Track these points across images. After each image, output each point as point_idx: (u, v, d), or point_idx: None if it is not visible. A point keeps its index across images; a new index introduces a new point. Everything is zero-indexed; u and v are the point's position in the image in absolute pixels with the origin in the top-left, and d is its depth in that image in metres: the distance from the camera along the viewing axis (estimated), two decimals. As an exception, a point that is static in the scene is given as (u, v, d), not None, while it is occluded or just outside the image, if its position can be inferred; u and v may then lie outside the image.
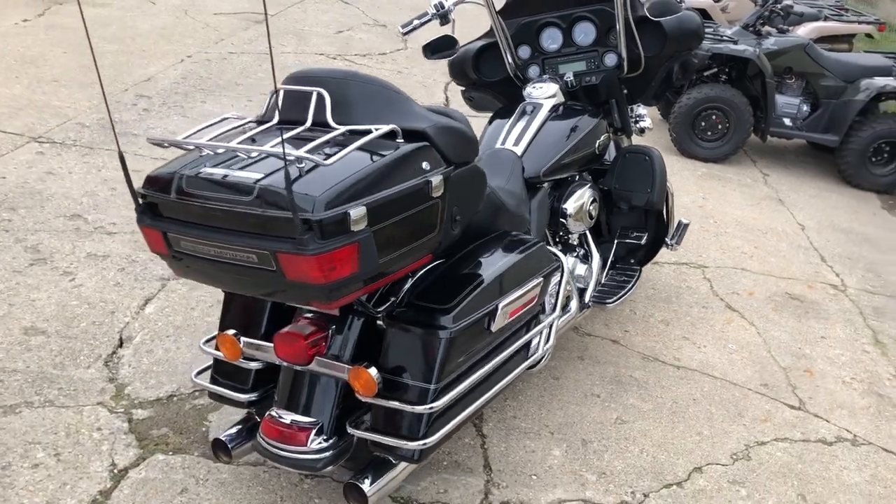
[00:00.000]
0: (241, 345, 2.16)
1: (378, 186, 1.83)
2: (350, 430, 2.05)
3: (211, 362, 2.34)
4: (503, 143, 2.90)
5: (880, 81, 5.43)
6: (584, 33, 3.14)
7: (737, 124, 5.65)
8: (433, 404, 1.95)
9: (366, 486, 1.99)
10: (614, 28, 3.04)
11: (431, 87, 6.51)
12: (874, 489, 2.73)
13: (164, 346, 2.95)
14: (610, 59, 3.12)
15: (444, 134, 2.04)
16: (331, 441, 2.06)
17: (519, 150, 2.86)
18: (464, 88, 3.44)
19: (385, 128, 1.92)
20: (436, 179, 1.95)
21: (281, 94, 2.02)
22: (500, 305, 2.15)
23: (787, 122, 5.77)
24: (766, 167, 5.91)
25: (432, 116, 2.05)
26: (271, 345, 2.08)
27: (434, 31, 3.05)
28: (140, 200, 1.95)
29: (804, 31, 6.76)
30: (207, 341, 2.33)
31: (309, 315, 2.14)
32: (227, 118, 2.08)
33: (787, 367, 3.38)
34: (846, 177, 5.72)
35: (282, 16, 7.97)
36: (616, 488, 2.56)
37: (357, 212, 1.74)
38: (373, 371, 1.96)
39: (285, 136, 1.80)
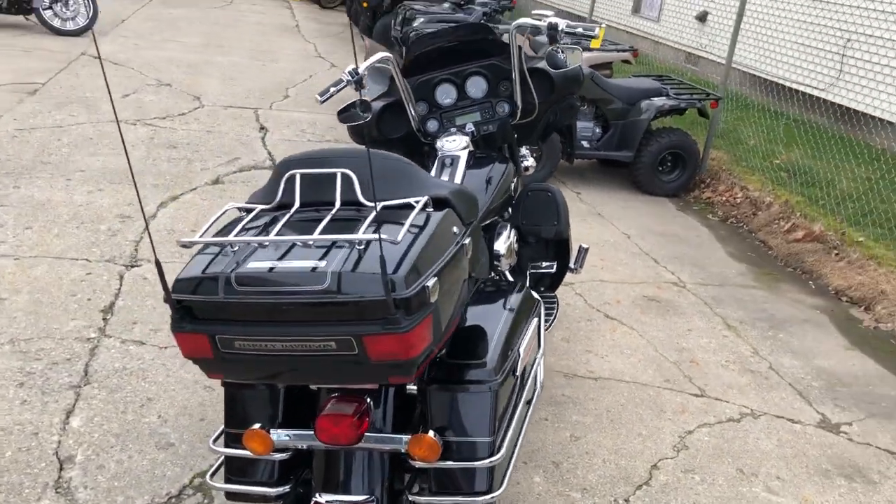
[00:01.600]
0: (273, 437, 2.09)
1: (434, 256, 1.90)
2: (413, 499, 2.07)
3: (220, 461, 2.23)
4: None
5: (658, 102, 6.25)
6: (476, 87, 3.36)
7: (549, 152, 6.19)
8: (497, 455, 2.04)
9: None
10: (504, 80, 3.29)
11: (249, 143, 6.40)
12: (785, 451, 3.21)
13: (114, 458, 2.72)
14: (502, 108, 3.36)
15: (459, 198, 2.15)
16: None
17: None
18: (362, 147, 3.51)
19: (423, 199, 2.00)
20: (467, 241, 2.07)
21: (298, 178, 2.02)
22: (521, 349, 2.29)
23: (585, 144, 6.41)
24: (575, 187, 6.52)
25: (445, 183, 2.15)
26: (308, 431, 2.05)
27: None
28: (176, 306, 1.85)
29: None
30: (216, 440, 2.22)
31: (336, 394, 2.13)
32: (228, 209, 2.04)
33: (676, 361, 3.83)
34: (641, 186, 6.47)
35: (53, 83, 7.39)
36: (601, 499, 2.79)
37: (433, 283, 1.81)
38: (432, 435, 2.01)
39: (326, 218, 1.83)
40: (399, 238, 1.83)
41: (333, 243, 1.83)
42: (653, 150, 6.28)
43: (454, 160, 3.16)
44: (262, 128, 6.89)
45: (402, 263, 1.81)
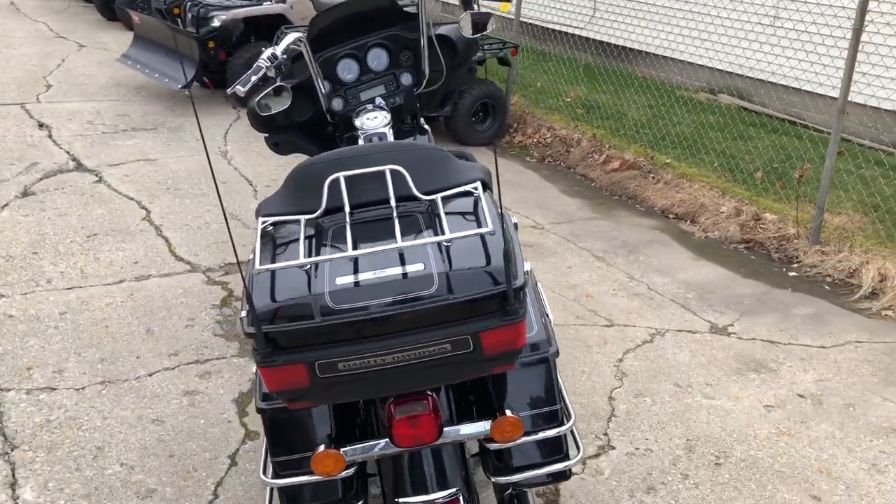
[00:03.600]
0: (345, 454, 2.00)
1: (509, 241, 1.91)
2: (497, 480, 2.10)
3: (269, 496, 2.09)
4: None
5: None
6: (378, 59, 3.29)
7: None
8: (571, 420, 2.13)
9: None
10: (405, 50, 3.26)
11: (39, 144, 5.70)
12: (700, 359, 3.61)
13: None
14: (405, 79, 3.33)
15: (488, 177, 2.16)
16: (475, 501, 2.08)
17: None
18: (267, 135, 3.32)
19: (478, 185, 1.99)
20: (516, 219, 2.10)
21: (343, 181, 1.91)
22: (549, 314, 2.37)
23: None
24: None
25: (471, 164, 2.14)
26: (379, 441, 1.99)
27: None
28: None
29: None
30: (267, 472, 2.07)
31: (392, 398, 2.08)
32: (265, 225, 1.90)
33: (575, 297, 4.11)
34: (460, 139, 6.68)
35: None
36: (587, 440, 2.98)
37: (529, 267, 1.83)
38: (511, 413, 2.04)
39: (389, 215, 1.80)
40: (492, 227, 1.82)
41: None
42: (467, 102, 6.48)
43: (382, 138, 3.10)
44: (41, 125, 6.13)
45: (506, 252, 1.80)
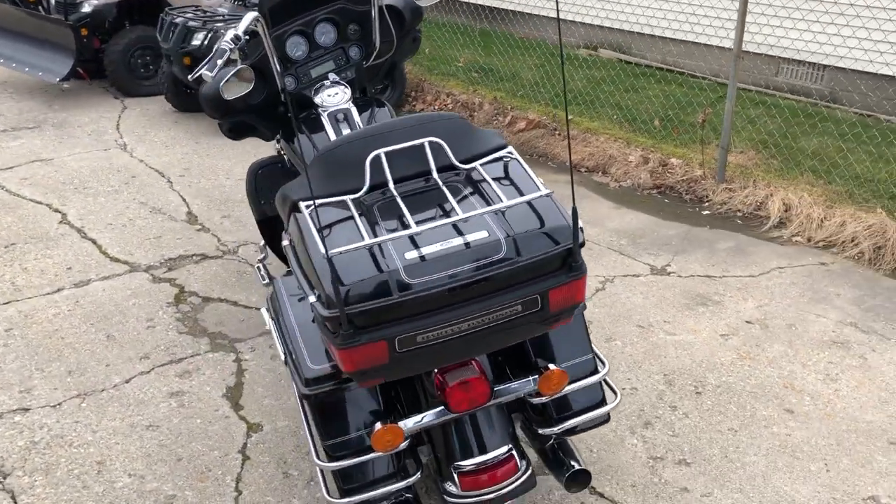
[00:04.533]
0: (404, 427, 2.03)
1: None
2: (544, 432, 2.19)
3: (324, 479, 2.09)
4: None
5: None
6: (326, 34, 3.24)
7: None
8: (606, 365, 2.24)
9: (582, 465, 2.19)
10: (352, 23, 3.23)
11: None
12: (652, 300, 3.83)
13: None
14: (354, 53, 3.31)
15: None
16: (525, 455, 2.17)
17: None
18: (220, 121, 3.22)
19: (511, 149, 2.04)
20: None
21: (384, 157, 1.92)
22: None
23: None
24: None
25: (491, 130, 2.19)
26: (434, 410, 2.04)
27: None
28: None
29: None
30: (320, 456, 2.06)
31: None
32: (314, 207, 1.89)
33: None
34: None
35: None
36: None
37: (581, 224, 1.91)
38: (553, 366, 2.13)
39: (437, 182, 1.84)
40: (549, 189, 1.88)
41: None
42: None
43: (346, 114, 3.08)
44: None
45: (562, 211, 1.87)
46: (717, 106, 6.40)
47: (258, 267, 3.55)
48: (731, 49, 4.93)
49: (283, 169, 3.36)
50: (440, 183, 1.93)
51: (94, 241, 4.18)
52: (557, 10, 1.80)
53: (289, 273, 3.40)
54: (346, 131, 3.02)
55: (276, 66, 3.07)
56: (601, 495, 2.55)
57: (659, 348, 3.41)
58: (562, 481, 2.19)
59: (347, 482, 2.08)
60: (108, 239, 4.21)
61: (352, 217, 1.87)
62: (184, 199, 4.75)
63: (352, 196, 1.91)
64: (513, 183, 1.94)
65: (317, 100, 3.13)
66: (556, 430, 2.20)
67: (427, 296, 1.73)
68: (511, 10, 8.48)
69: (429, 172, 2.00)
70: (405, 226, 1.82)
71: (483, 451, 2.09)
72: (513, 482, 2.08)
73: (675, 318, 3.65)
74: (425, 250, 1.76)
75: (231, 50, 2.80)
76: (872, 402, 3.06)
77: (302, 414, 2.23)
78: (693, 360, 3.32)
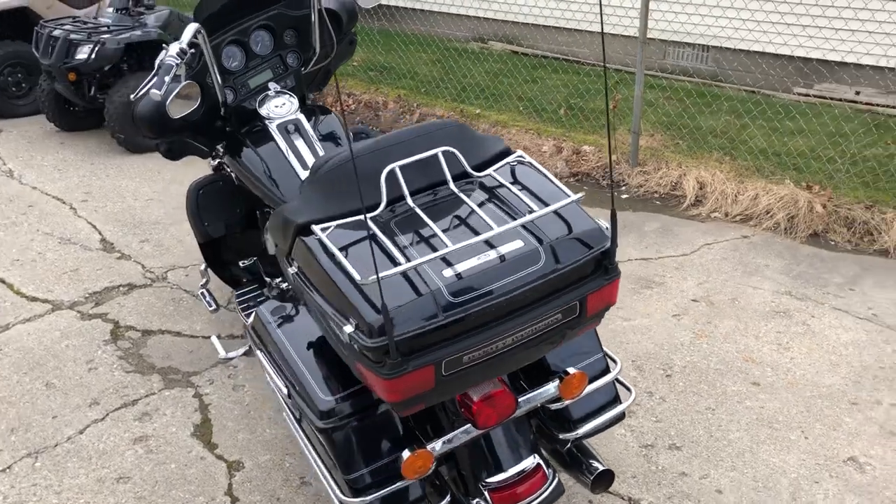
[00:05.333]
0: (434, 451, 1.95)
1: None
2: (566, 437, 2.16)
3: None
4: (306, 169, 2.82)
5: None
6: (261, 42, 3.08)
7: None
8: (618, 365, 2.23)
9: (605, 465, 2.17)
10: (289, 29, 3.09)
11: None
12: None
13: None
14: (292, 60, 3.16)
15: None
16: (550, 463, 2.13)
17: None
18: (158, 142, 3.00)
19: (522, 153, 1.99)
20: None
21: (398, 172, 1.83)
22: None
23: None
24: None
25: (488, 136, 2.13)
26: (461, 428, 1.97)
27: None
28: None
29: None
30: (345, 491, 1.95)
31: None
32: (330, 231, 1.78)
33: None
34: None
35: None
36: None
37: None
38: (573, 370, 2.10)
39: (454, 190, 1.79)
40: (580, 194, 1.85)
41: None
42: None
43: (297, 125, 2.95)
44: None
45: (587, 213, 1.84)
46: (614, 91, 6.57)
47: (202, 293, 3.35)
48: (622, 35, 5.09)
49: (225, 187, 3.17)
50: (459, 193, 1.85)
51: (2, 281, 3.81)
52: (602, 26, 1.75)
53: (265, 299, 3.21)
54: (298, 143, 2.88)
55: (217, 79, 2.89)
56: (608, 491, 2.55)
57: (620, 335, 3.45)
58: (587, 483, 2.17)
59: (390, 511, 1.97)
60: (18, 277, 3.85)
61: (372, 236, 1.76)
62: (93, 226, 4.41)
63: (370, 214, 1.80)
64: (533, 188, 1.89)
65: (262, 111, 2.97)
66: (579, 433, 2.17)
67: (473, 314, 1.66)
68: (403, 7, 8.39)
69: (442, 183, 1.92)
70: (429, 241, 1.73)
71: (511, 464, 2.04)
72: (544, 492, 2.04)
73: (627, 304, 3.71)
74: (463, 266, 1.69)
75: (177, 65, 2.62)
76: (826, 367, 3.22)
77: (310, 450, 2.10)
78: (655, 344, 3.39)
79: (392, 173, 1.83)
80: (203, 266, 3.42)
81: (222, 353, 3.14)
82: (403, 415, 1.93)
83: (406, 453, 1.91)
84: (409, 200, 1.84)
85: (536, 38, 7.82)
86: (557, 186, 1.90)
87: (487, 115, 6.13)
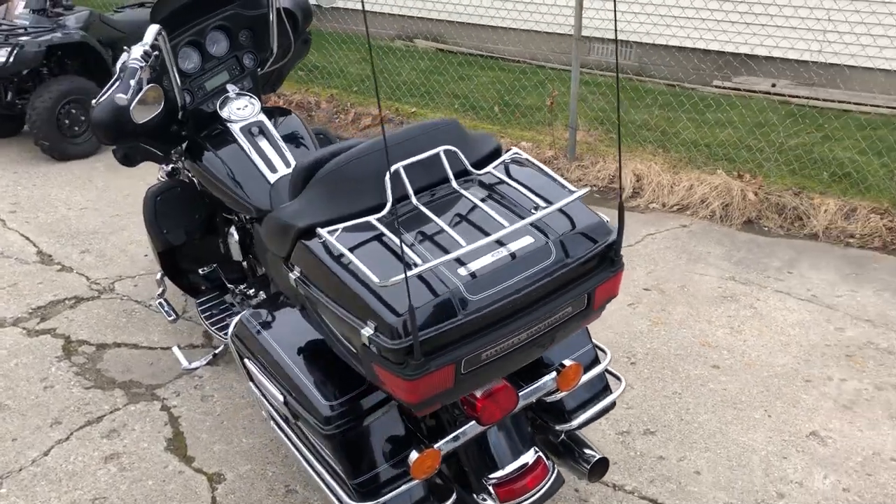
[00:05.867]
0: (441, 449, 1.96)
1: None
2: (562, 428, 2.20)
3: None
4: (272, 171, 2.77)
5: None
6: (217, 43, 3.02)
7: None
8: (608, 355, 2.29)
9: (600, 454, 2.22)
10: (245, 29, 3.04)
11: None
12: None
13: None
14: (248, 61, 3.10)
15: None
16: (548, 455, 2.17)
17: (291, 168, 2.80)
18: (114, 147, 2.91)
19: (518, 150, 2.02)
20: None
21: (402, 172, 1.82)
22: None
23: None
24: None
25: (480, 133, 2.15)
26: (464, 426, 1.99)
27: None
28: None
29: None
30: (353, 496, 1.93)
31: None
32: (335, 234, 1.76)
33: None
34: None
35: None
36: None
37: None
38: (569, 361, 2.14)
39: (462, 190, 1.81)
40: (586, 189, 1.88)
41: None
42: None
43: (261, 127, 2.90)
44: None
45: (588, 208, 1.88)
46: (540, 88, 6.70)
47: (160, 303, 3.25)
48: (546, 33, 5.18)
49: (183, 193, 3.08)
50: (462, 191, 1.86)
51: (-66, 300, 3.60)
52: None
53: (227, 307, 3.13)
54: (262, 144, 2.84)
55: (177, 82, 2.81)
56: (593, 478, 2.60)
57: (581, 326, 3.52)
58: (583, 471, 2.21)
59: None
60: (-51, 295, 3.64)
61: (381, 236, 1.75)
62: (27, 238, 4.21)
63: (376, 216, 1.78)
64: (534, 184, 1.91)
65: (223, 113, 2.91)
66: (574, 423, 2.21)
67: (492, 311, 1.67)
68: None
69: (442, 181, 1.92)
70: (440, 240, 1.73)
71: (513, 458, 2.07)
72: (546, 482, 2.07)
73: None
74: (477, 265, 1.70)
75: (142, 69, 2.53)
76: (777, 347, 3.37)
77: (307, 457, 2.07)
78: (615, 333, 3.47)
79: (396, 173, 1.82)
80: (159, 275, 3.31)
81: (185, 364, 3.06)
82: (420, 415, 1.93)
83: (414, 454, 1.91)
84: (414, 200, 1.84)
85: (462, 36, 7.88)
86: (557, 182, 1.93)
87: (422, 113, 6.14)
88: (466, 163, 1.94)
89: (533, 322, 1.74)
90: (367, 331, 1.64)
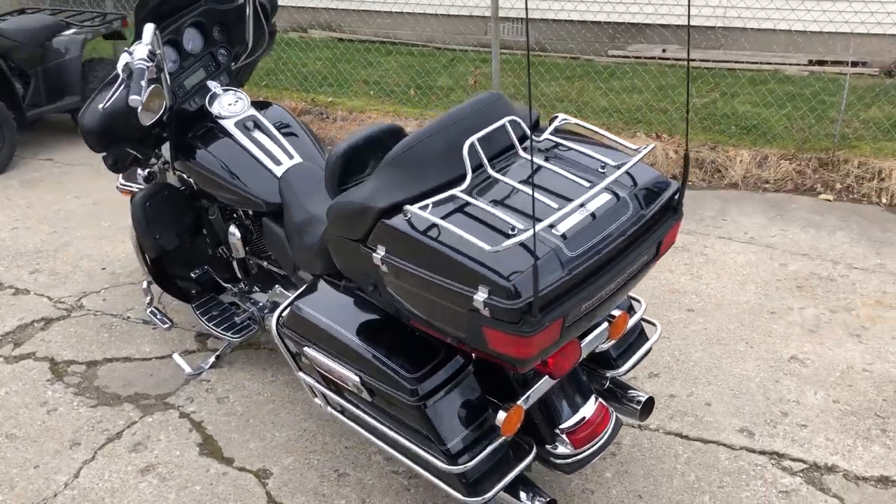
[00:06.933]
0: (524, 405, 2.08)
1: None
2: (612, 374, 2.36)
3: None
4: (277, 164, 2.78)
5: (77, 36, 5.67)
6: (192, 40, 2.97)
7: (3, 124, 5.16)
8: (642, 305, 2.47)
9: (646, 394, 2.40)
10: (218, 24, 3.01)
11: None
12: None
13: None
14: (222, 56, 3.08)
15: None
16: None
17: (296, 160, 2.82)
18: (104, 155, 2.84)
19: (565, 116, 2.14)
20: None
21: (477, 144, 1.92)
22: None
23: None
24: (50, 154, 5.59)
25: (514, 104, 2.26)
26: (539, 381, 2.12)
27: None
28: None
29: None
30: (447, 460, 2.01)
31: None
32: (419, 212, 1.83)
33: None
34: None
35: None
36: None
37: None
38: (617, 311, 2.30)
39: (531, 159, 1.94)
40: (651, 144, 2.04)
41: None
42: (96, 86, 5.73)
43: (255, 121, 2.90)
44: None
45: (686, 156, 2.04)
46: (450, 69, 6.84)
47: (152, 312, 3.17)
48: (443, 16, 5.29)
49: (171, 196, 3.01)
50: (531, 158, 1.96)
51: None
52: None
53: (221, 306, 3.09)
54: (260, 138, 2.85)
55: (167, 81, 2.75)
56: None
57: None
58: (634, 411, 2.39)
59: (476, 478, 2.05)
60: None
61: (465, 206, 1.83)
62: (-36, 265, 3.95)
63: (459, 188, 1.86)
64: (593, 144, 2.05)
65: (214, 110, 2.88)
66: (623, 369, 2.38)
67: (590, 265, 1.79)
68: None
69: (506, 150, 2.02)
70: (525, 204, 1.82)
71: (579, 406, 2.21)
72: (610, 425, 2.22)
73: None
74: (565, 224, 1.81)
75: (148, 68, 2.48)
76: (737, 286, 3.68)
77: (387, 434, 2.12)
78: (592, 291, 3.67)
79: (472, 146, 1.91)
80: (145, 284, 3.22)
81: (188, 370, 3.03)
82: (523, 371, 2.03)
83: (502, 413, 2.01)
84: (490, 169, 1.93)
85: (358, 24, 7.88)
86: (613, 139, 2.07)
87: (341, 102, 6.14)
88: (527, 130, 2.04)
89: (619, 272, 1.88)
90: (481, 295, 1.72)
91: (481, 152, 1.92)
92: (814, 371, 3.05)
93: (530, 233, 1.68)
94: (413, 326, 2.06)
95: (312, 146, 2.93)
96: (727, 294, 3.62)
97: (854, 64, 6.26)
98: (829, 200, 4.70)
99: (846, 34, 6.14)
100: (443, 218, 1.81)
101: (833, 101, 5.53)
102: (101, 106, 2.64)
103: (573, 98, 6.07)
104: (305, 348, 2.24)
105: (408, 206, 1.84)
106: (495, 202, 1.86)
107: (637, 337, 2.48)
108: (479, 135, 1.93)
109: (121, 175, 3.44)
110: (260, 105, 3.03)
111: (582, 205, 1.85)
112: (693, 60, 6.75)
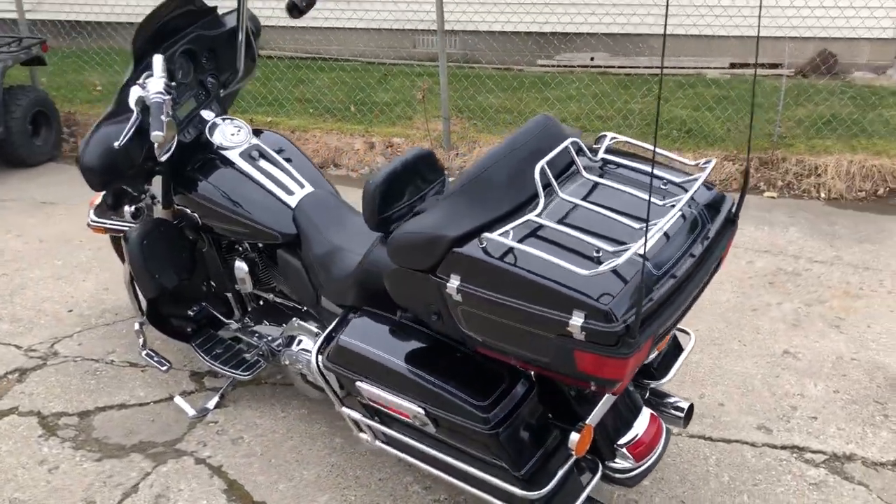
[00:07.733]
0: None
1: None
2: (655, 384, 2.41)
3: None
4: (289, 194, 2.72)
5: (-5, 62, 5.36)
6: (182, 68, 2.86)
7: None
8: None
9: (687, 401, 2.46)
10: (207, 51, 2.92)
11: None
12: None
13: None
14: (210, 84, 2.98)
15: None
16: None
17: (308, 189, 2.77)
18: (105, 192, 2.70)
19: (613, 135, 2.17)
20: None
21: (546, 167, 1.92)
22: None
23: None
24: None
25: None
26: (606, 396, 2.14)
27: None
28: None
29: None
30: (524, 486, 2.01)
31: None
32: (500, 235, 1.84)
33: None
34: (20, 160, 5.59)
35: None
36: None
37: None
38: None
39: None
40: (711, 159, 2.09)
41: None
42: (19, 116, 5.46)
43: (260, 150, 2.82)
44: None
45: (746, 170, 2.09)
46: (384, 84, 6.82)
47: (149, 354, 3.02)
48: (372, 30, 5.28)
49: (167, 232, 2.87)
50: (593, 178, 1.98)
51: None
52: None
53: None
54: (266, 166, 2.78)
55: (169, 112, 2.63)
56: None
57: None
58: (678, 419, 2.44)
59: (548, 499, 2.05)
60: None
61: (542, 228, 1.83)
62: (-87, 318, 3.64)
63: (533, 213, 1.85)
64: (647, 163, 2.08)
65: (216, 140, 2.79)
66: (666, 378, 2.43)
67: (673, 283, 1.82)
68: (128, 23, 7.74)
69: (566, 170, 2.03)
70: (603, 227, 1.84)
71: (634, 420, 2.24)
72: (664, 435, 2.27)
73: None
74: (648, 243, 1.83)
75: (165, 101, 2.37)
76: (713, 286, 3.78)
77: (453, 464, 2.10)
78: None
79: (542, 171, 1.90)
80: (137, 325, 3.06)
81: (192, 412, 2.90)
82: (616, 393, 2.03)
83: (574, 434, 2.02)
84: (560, 192, 1.93)
85: (280, 41, 7.74)
86: (667, 156, 2.11)
87: (281, 121, 6.01)
88: (587, 151, 2.06)
89: (696, 286, 1.92)
90: (577, 320, 1.71)
91: (551, 176, 1.93)
92: (807, 364, 3.20)
93: (627, 255, 1.70)
94: (478, 352, 2.04)
95: (318, 173, 2.87)
96: (706, 294, 3.72)
97: (772, 66, 6.62)
98: (773, 198, 4.95)
99: (764, 38, 6.48)
100: (522, 243, 1.80)
101: (760, 101, 5.81)
102: (116, 144, 2.49)
103: (512, 109, 6.15)
104: (358, 383, 2.18)
105: (486, 234, 1.82)
106: (571, 225, 1.87)
107: (672, 346, 2.53)
108: (548, 158, 1.93)
109: (91, 211, 3.26)
110: (255, 132, 2.94)
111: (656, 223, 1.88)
112: (623, 67, 6.97)
